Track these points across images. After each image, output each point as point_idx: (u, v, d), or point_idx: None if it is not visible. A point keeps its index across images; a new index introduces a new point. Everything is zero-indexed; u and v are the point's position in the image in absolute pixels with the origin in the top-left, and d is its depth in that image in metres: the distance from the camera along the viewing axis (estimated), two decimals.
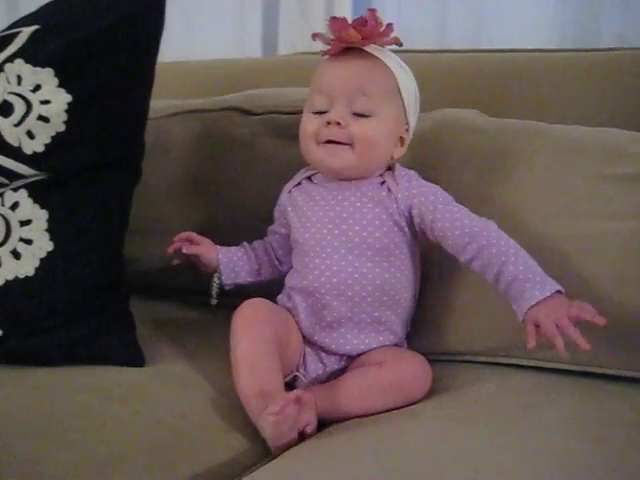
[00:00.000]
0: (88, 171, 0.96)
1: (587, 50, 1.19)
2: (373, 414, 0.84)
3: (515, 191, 0.97)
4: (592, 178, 0.95)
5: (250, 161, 1.14)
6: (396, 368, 0.86)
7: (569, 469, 0.67)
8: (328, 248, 0.90)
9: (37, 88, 0.93)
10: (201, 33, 1.69)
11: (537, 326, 0.78)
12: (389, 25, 0.90)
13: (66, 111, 0.92)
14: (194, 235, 1.02)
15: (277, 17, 1.64)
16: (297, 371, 0.93)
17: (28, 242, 0.93)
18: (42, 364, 0.91)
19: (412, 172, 0.94)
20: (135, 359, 0.94)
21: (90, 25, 0.95)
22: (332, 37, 0.89)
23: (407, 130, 0.94)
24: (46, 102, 0.92)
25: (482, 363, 0.96)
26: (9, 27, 1.01)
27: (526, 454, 0.70)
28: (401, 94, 0.92)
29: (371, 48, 0.90)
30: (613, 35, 1.31)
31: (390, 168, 0.94)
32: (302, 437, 0.81)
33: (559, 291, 0.79)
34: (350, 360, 0.92)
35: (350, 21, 0.88)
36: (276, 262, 1.03)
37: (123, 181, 1.00)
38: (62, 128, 0.93)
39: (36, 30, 0.97)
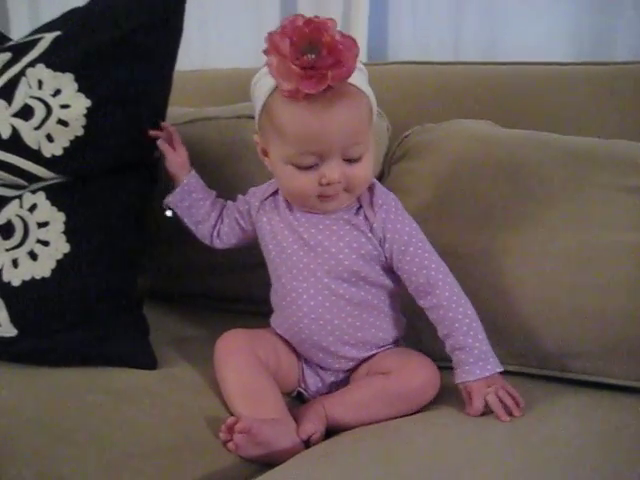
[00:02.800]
0: (106, 175, 0.98)
1: (603, 63, 1.19)
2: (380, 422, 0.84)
3: (528, 201, 0.97)
4: (605, 189, 0.95)
5: (265, 167, 1.15)
6: (403, 377, 0.85)
7: (578, 478, 0.67)
8: (305, 271, 0.88)
9: (57, 92, 0.94)
10: (218, 42, 1.70)
11: (468, 393, 0.83)
12: (354, 44, 0.80)
13: (85, 115, 0.94)
14: (176, 137, 1.00)
15: None
16: (299, 386, 0.93)
17: (45, 244, 0.94)
18: (56, 364, 0.92)
19: (391, 198, 0.89)
20: (147, 362, 0.95)
21: (110, 32, 0.97)
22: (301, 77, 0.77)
23: None
24: (66, 106, 0.94)
25: None
26: (32, 33, 1.03)
27: (535, 463, 0.70)
28: (372, 110, 0.86)
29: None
30: (629, 48, 1.31)
31: (370, 187, 0.89)
32: (308, 445, 0.82)
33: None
34: (350, 371, 0.92)
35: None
36: (215, 233, 1.00)
37: (141, 186, 1.02)
38: (81, 132, 0.94)
39: (58, 36, 0.99)
